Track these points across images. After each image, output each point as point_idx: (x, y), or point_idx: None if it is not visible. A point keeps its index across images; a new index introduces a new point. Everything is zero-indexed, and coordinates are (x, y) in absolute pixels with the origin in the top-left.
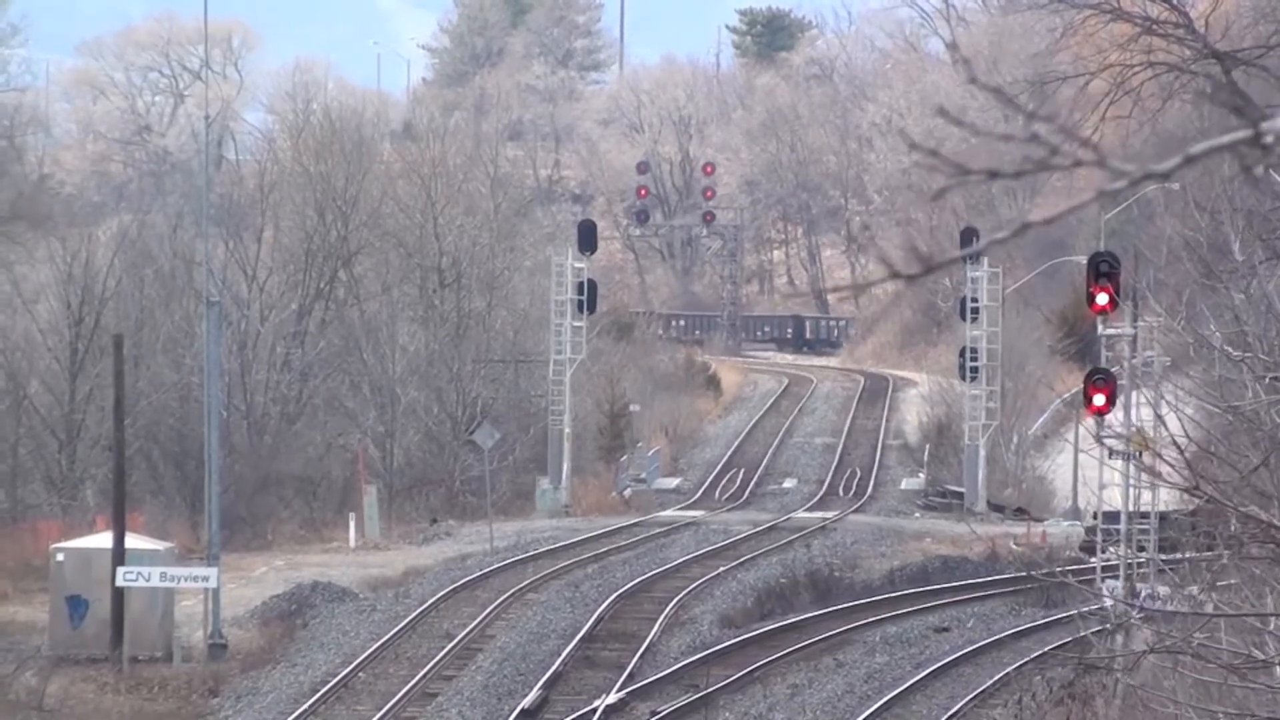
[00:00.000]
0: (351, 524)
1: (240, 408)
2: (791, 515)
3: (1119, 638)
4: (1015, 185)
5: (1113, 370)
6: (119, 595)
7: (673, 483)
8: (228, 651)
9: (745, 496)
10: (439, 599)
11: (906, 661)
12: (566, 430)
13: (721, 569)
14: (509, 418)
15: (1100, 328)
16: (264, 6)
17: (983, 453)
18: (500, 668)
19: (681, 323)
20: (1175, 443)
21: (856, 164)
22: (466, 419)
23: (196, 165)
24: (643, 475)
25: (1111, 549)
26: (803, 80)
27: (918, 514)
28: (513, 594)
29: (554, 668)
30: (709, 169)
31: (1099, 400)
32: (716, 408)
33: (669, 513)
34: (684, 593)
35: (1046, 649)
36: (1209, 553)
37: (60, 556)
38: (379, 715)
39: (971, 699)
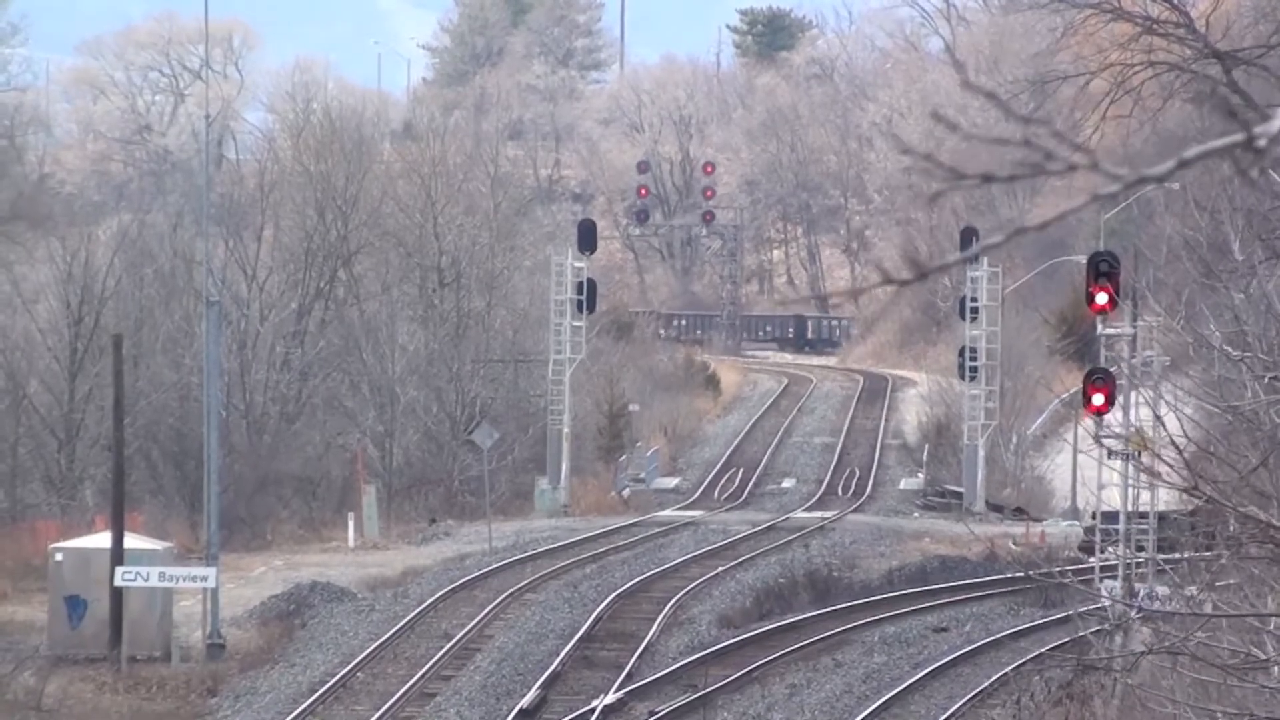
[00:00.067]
0: (350, 524)
1: (240, 407)
2: (790, 515)
3: (1118, 638)
4: (1015, 186)
5: (1112, 370)
6: (118, 595)
7: (671, 482)
8: (226, 651)
9: (744, 496)
10: (438, 599)
11: (905, 661)
12: (565, 430)
13: (720, 569)
14: (508, 417)
15: (1099, 327)
16: (264, 6)
17: (982, 452)
18: (499, 668)
19: (683, 322)
20: (1174, 443)
21: (856, 164)
22: (466, 419)
23: (197, 165)
24: (641, 475)
25: (1110, 549)
26: (803, 80)
27: (916, 514)
28: (511, 594)
29: (552, 668)
30: (709, 169)
31: (1098, 400)
32: (716, 407)
33: (668, 513)
34: (682, 593)
35: (1045, 649)
36: (1208, 553)
37: (59, 556)
38: (377, 715)
39: (970, 699)
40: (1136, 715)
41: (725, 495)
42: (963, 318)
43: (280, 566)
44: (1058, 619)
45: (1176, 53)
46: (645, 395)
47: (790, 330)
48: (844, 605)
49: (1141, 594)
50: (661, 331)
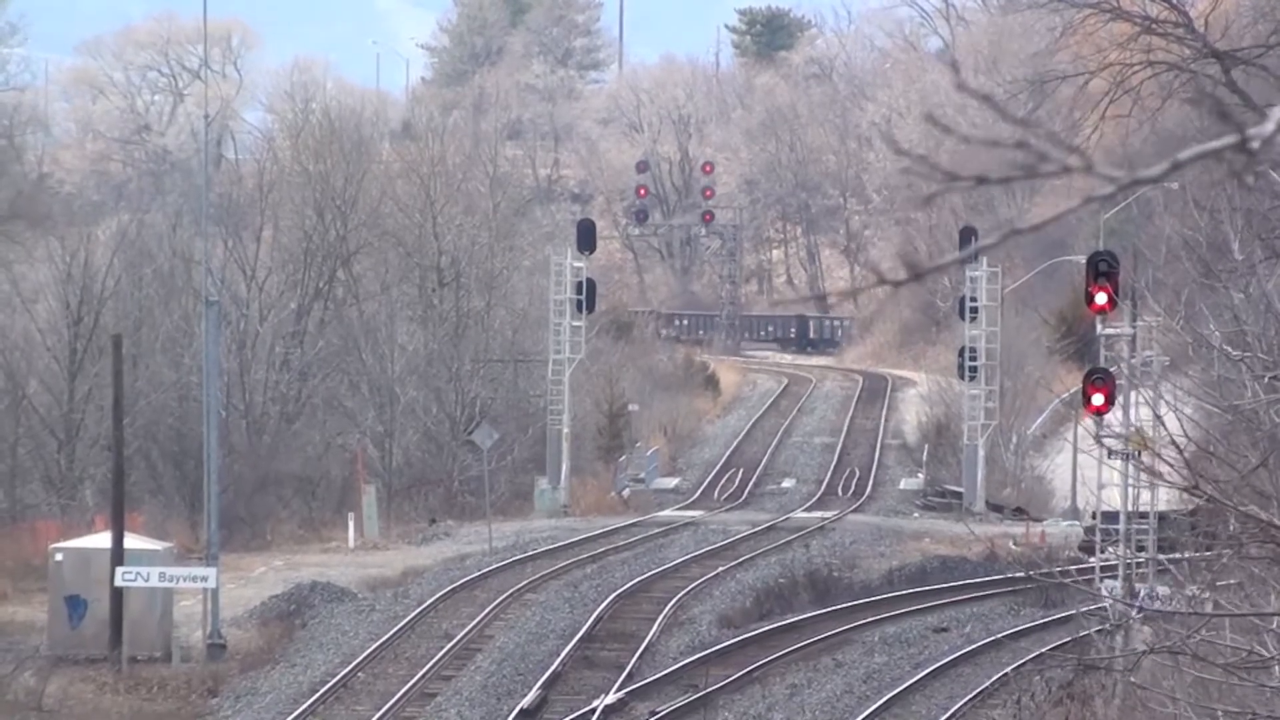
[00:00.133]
0: (350, 524)
1: (239, 407)
2: (790, 515)
3: (1118, 637)
4: (1014, 186)
5: (1111, 370)
6: (118, 595)
7: (671, 483)
8: (226, 651)
9: (744, 496)
10: (438, 599)
11: (905, 662)
12: (565, 430)
13: (720, 569)
14: (508, 417)
15: (1099, 327)
16: (263, 6)
17: (981, 452)
18: (499, 668)
19: (685, 322)
20: (1174, 442)
21: (856, 163)
22: (465, 419)
23: (196, 164)
24: (641, 475)
25: (1110, 549)
26: (802, 80)
27: (916, 514)
28: (511, 594)
29: (553, 668)
30: (708, 168)
31: (1098, 400)
32: (715, 407)
33: (668, 513)
34: (683, 593)
35: (1045, 649)
36: (1208, 552)
37: (59, 556)
38: (378, 715)
39: (970, 699)
40: (1137, 715)
41: (725, 495)
42: (962, 318)
43: (280, 566)
44: (1058, 619)
45: (1175, 52)
46: (645, 395)
47: (792, 330)
48: (844, 605)
49: (1142, 594)
50: (664, 331)
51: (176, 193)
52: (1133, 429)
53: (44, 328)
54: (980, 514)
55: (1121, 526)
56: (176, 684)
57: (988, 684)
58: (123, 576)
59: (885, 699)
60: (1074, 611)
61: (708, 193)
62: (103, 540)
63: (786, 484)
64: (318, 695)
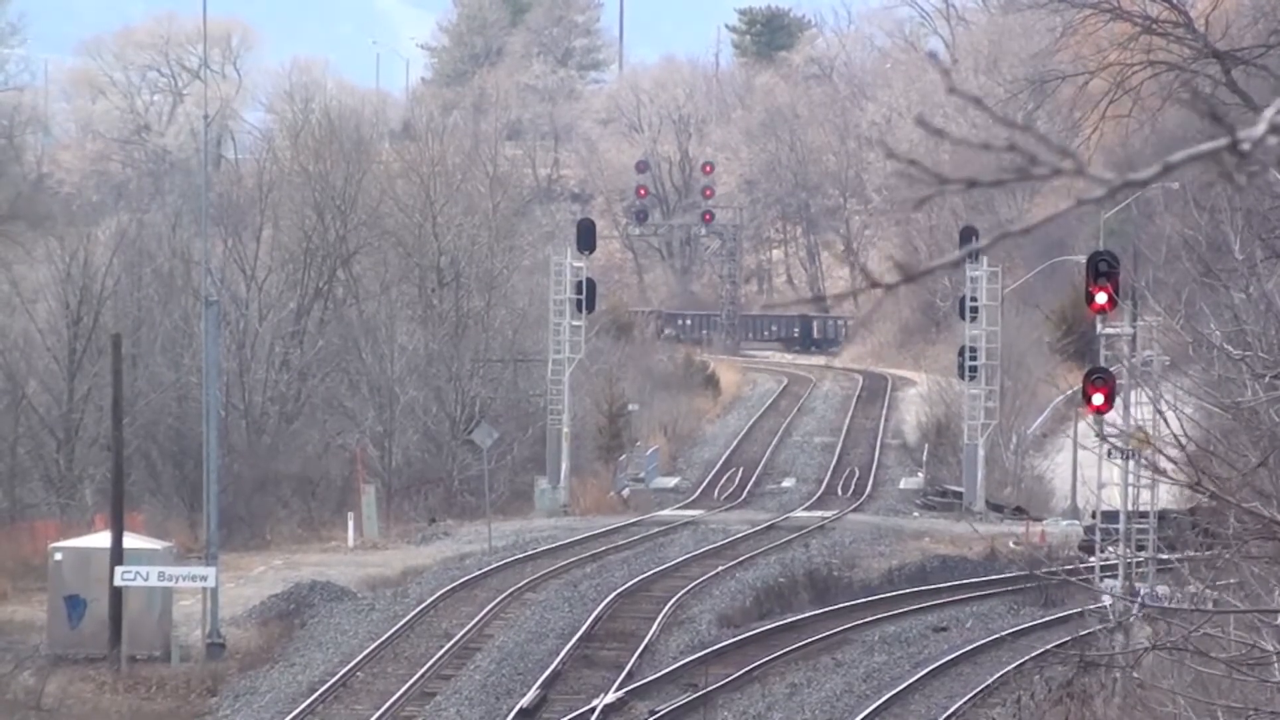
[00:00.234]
0: (350, 523)
1: (239, 407)
2: (790, 514)
3: (1119, 636)
4: (1013, 186)
5: (1112, 369)
6: (117, 595)
7: (671, 482)
8: (226, 651)
9: (744, 496)
10: (437, 598)
11: (905, 661)
12: (565, 430)
13: (720, 568)
14: (507, 417)
15: (1099, 327)
16: (263, 6)
17: (982, 452)
18: (499, 667)
19: (688, 322)
20: (1176, 440)
21: (856, 163)
22: (465, 418)
23: (195, 164)
24: (641, 475)
25: (1110, 548)
26: (802, 80)
27: (916, 513)
28: (511, 593)
29: (552, 667)
30: (708, 168)
31: (1098, 399)
32: (715, 407)
33: (667, 512)
34: (682, 592)
35: (1046, 648)
36: (1209, 551)
37: (59, 556)
38: (377, 715)
39: (970, 698)
40: (1137, 714)
41: (725, 495)
42: (962, 317)
43: (280, 566)
44: (1058, 618)
45: (1176, 52)
46: (645, 395)
47: (795, 330)
48: (844, 605)
49: (1142, 593)
50: (662, 331)
51: (176, 193)
52: (1135, 427)
53: (44, 328)
54: (980, 513)
55: (1121, 526)
56: (176, 683)
57: (988, 683)
58: (122, 576)
59: (885, 698)
60: (1075, 610)
61: (707, 193)
62: (102, 540)
63: (786, 483)
64: (317, 695)
